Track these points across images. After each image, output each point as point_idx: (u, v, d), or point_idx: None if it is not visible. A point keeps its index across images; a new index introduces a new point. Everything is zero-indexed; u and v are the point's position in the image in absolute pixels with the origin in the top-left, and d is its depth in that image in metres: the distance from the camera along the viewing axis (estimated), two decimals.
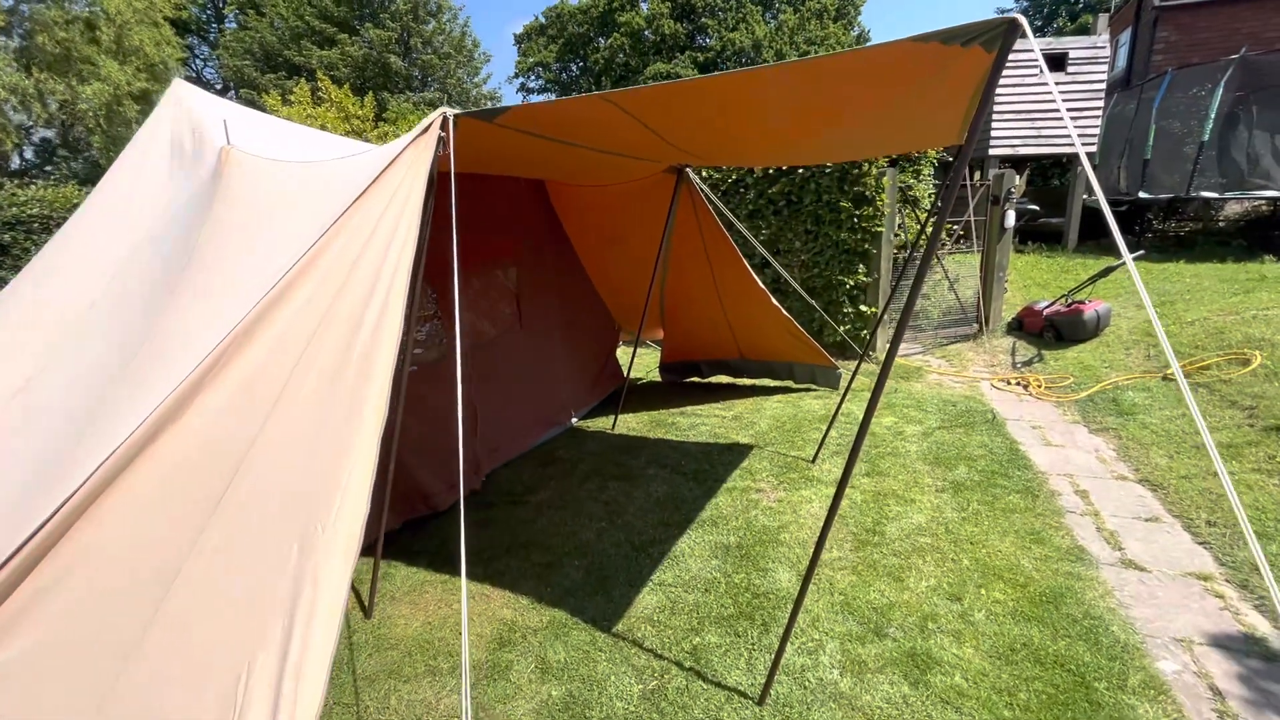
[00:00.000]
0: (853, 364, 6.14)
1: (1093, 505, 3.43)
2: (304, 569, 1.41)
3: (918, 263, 6.71)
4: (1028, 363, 5.99)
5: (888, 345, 6.59)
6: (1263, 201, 9.62)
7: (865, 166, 5.87)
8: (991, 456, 4.06)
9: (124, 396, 2.02)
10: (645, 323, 6.06)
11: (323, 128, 13.74)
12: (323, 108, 15.91)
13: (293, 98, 16.26)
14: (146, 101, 12.85)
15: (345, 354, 1.72)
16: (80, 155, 12.43)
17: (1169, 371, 4.83)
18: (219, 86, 26.95)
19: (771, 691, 2.19)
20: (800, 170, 6.17)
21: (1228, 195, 8.22)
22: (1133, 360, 5.34)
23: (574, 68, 30.36)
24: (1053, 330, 6.25)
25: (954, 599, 2.66)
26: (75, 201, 8.38)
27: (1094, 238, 10.98)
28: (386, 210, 1.93)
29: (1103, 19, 10.11)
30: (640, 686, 2.26)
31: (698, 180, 4.11)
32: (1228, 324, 5.13)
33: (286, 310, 1.83)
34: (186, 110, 3.10)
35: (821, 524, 3.28)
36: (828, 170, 5.98)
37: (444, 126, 2.04)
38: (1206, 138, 7.99)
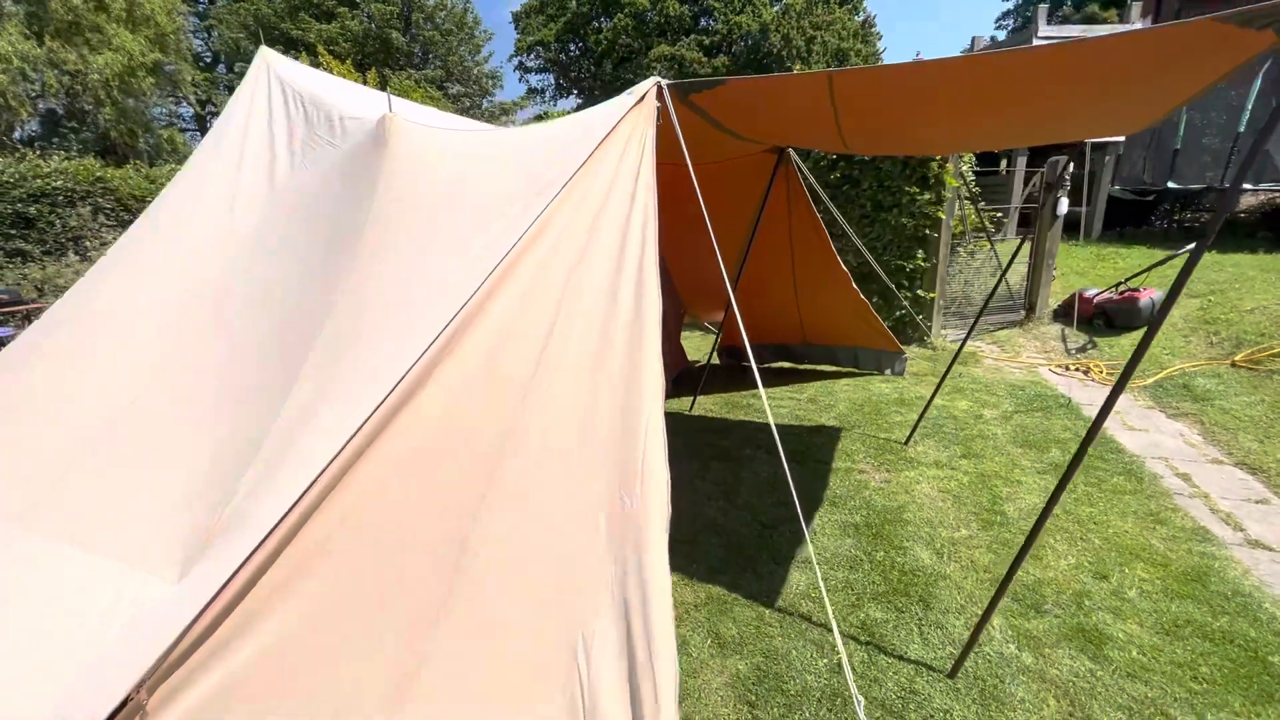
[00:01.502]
0: (913, 349, 6.19)
1: (1198, 487, 3.50)
2: (623, 537, 1.38)
3: (966, 247, 6.75)
4: (1081, 349, 6.08)
5: (943, 331, 6.66)
6: (1277, 194, 9.80)
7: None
8: (1079, 440, 4.11)
9: (331, 370, 1.98)
10: (711, 305, 6.04)
11: None
12: None
13: None
14: (160, 74, 12.42)
15: (605, 327, 1.68)
16: (88, 127, 12.01)
17: (1238, 358, 4.94)
18: (209, 60, 26.17)
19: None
20: (859, 155, 6.16)
21: (1263, 186, 8.36)
22: (1194, 347, 5.45)
23: (573, 48, 29.92)
24: (1103, 317, 6.34)
25: (1100, 577, 2.71)
26: (98, 174, 8.12)
27: (1114, 226, 11.13)
28: (615, 182, 1.89)
29: (1136, 6, 10.16)
30: (824, 660, 2.28)
31: (798, 161, 4.08)
32: None
33: (516, 284, 1.79)
34: (280, 78, 2.99)
35: (935, 503, 3.32)
36: (893, 155, 5.97)
37: (659, 95, 2.00)
38: (1243, 128, 8.11)
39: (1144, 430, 4.29)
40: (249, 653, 1.51)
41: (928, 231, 6.07)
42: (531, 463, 1.57)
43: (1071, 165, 6.27)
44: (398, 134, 2.36)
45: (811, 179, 4.18)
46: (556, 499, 1.51)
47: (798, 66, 21.78)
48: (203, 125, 25.18)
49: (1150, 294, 6.02)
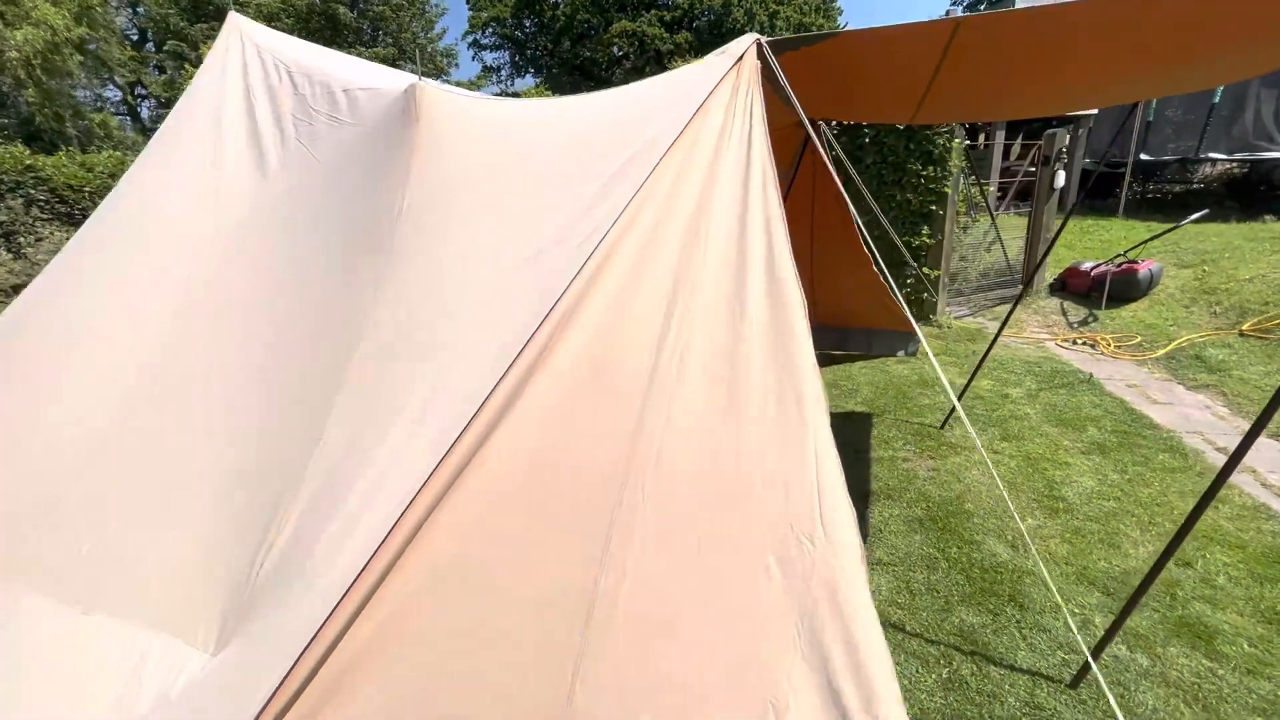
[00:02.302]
0: (920, 327, 6.10)
1: (1243, 462, 3.46)
2: (805, 577, 1.14)
3: (960, 222, 6.67)
4: (1083, 322, 6.09)
5: (947, 308, 6.60)
6: (1234, 163, 10.11)
7: (934, 126, 5.73)
8: (1112, 417, 4.07)
9: (385, 393, 1.68)
10: None
11: None
12: None
13: None
14: (86, 52, 11.26)
15: (734, 325, 1.43)
16: (7, 112, 10.83)
17: (1245, 327, 4.98)
18: (135, 37, 24.32)
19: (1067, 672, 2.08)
20: (865, 129, 5.98)
21: (1236, 157, 8.56)
22: (1197, 317, 5.50)
23: (529, 24, 29.00)
24: (1100, 290, 6.37)
25: (1184, 564, 2.62)
26: (27, 162, 7.35)
27: (1085, 199, 11.34)
28: (721, 154, 1.62)
29: None
30: (934, 675, 2.11)
31: (829, 133, 3.86)
32: None
33: (614, 278, 1.51)
34: (258, 45, 2.58)
35: (992, 491, 3.19)
36: (898, 130, 5.81)
37: (759, 54, 1.73)
38: (1217, 99, 8.26)
39: (1169, 404, 4.27)
40: None
41: (933, 208, 5.96)
42: (663, 494, 1.31)
43: (1069, 138, 6.22)
44: (432, 106, 2.01)
45: (840, 152, 3.96)
46: (705, 538, 1.26)
47: None
48: (133, 110, 23.47)
49: (1149, 266, 6.06)
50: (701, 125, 1.65)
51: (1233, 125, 8.33)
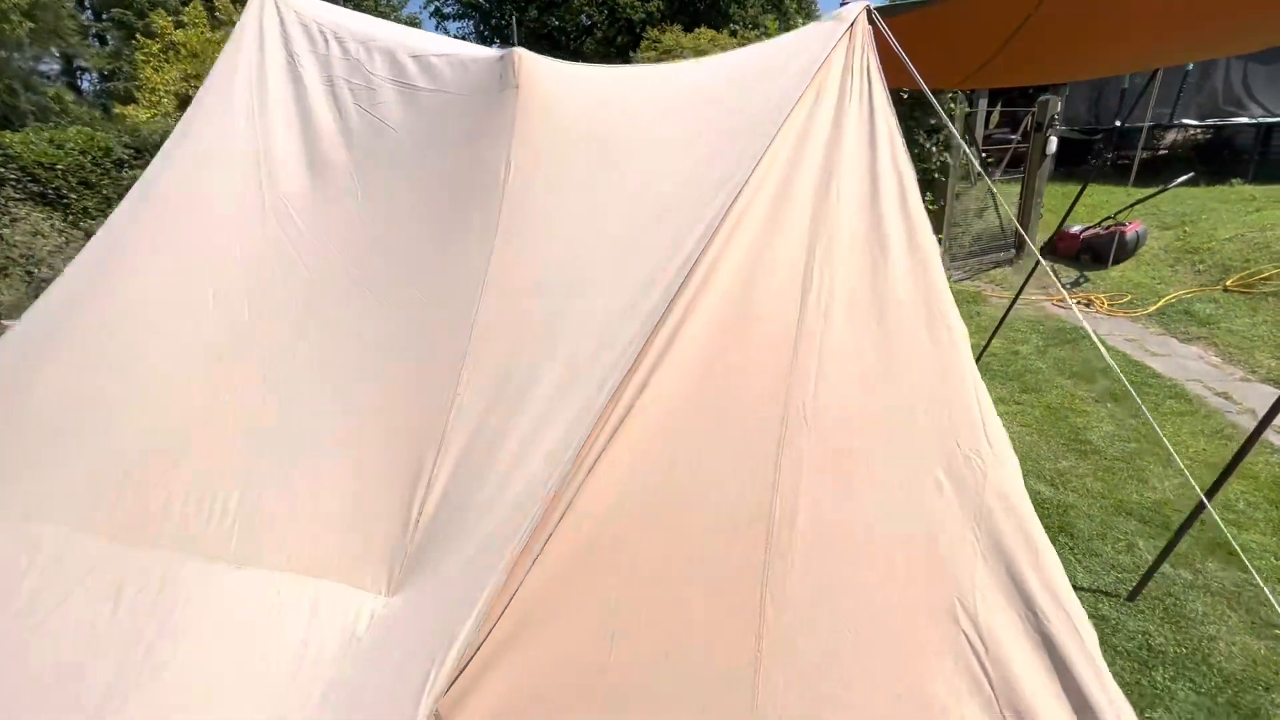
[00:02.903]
0: None
1: (1240, 404, 3.77)
2: (977, 485, 1.28)
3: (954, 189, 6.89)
4: (1075, 283, 6.40)
5: (947, 273, 6.84)
6: (1199, 130, 10.57)
7: (942, 92, 5.88)
8: (1119, 368, 4.33)
9: (520, 362, 1.74)
10: None
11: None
12: (222, 32, 13.78)
13: (184, 18, 13.98)
14: (35, 18, 10.55)
15: (876, 266, 1.53)
16: None
17: (1229, 283, 5.32)
18: (71, 4, 22.84)
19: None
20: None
21: (1208, 122, 8.95)
22: (1182, 275, 5.83)
23: None
24: (1089, 252, 6.67)
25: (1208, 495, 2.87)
26: None
27: (1060, 165, 11.72)
28: (843, 116, 1.71)
29: None
30: None
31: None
32: (1266, 239, 5.68)
33: (749, 230, 1.60)
34: (297, 10, 2.48)
35: (1023, 438, 3.41)
36: (902, 97, 5.95)
37: (870, 19, 1.82)
38: (1191, 65, 8.60)
39: (1166, 355, 4.57)
40: (533, 661, 1.36)
41: (936, 175, 6.14)
42: (824, 422, 1.43)
43: (1060, 105, 6.44)
44: (532, 73, 2.03)
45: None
46: (871, 460, 1.39)
47: (733, 7, 21.32)
48: (73, 84, 22.10)
49: (1135, 227, 6.37)
50: (823, 83, 1.74)
51: (1201, 93, 8.70)
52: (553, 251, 1.86)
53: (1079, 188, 3.95)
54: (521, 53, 2.05)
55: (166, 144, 2.32)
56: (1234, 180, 8.60)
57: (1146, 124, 9.48)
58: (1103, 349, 1.84)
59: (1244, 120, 8.61)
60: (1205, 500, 1.59)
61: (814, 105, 1.72)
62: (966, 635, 1.20)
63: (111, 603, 1.68)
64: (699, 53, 9.96)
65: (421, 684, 1.28)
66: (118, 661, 1.57)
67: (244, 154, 2.26)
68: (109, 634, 1.64)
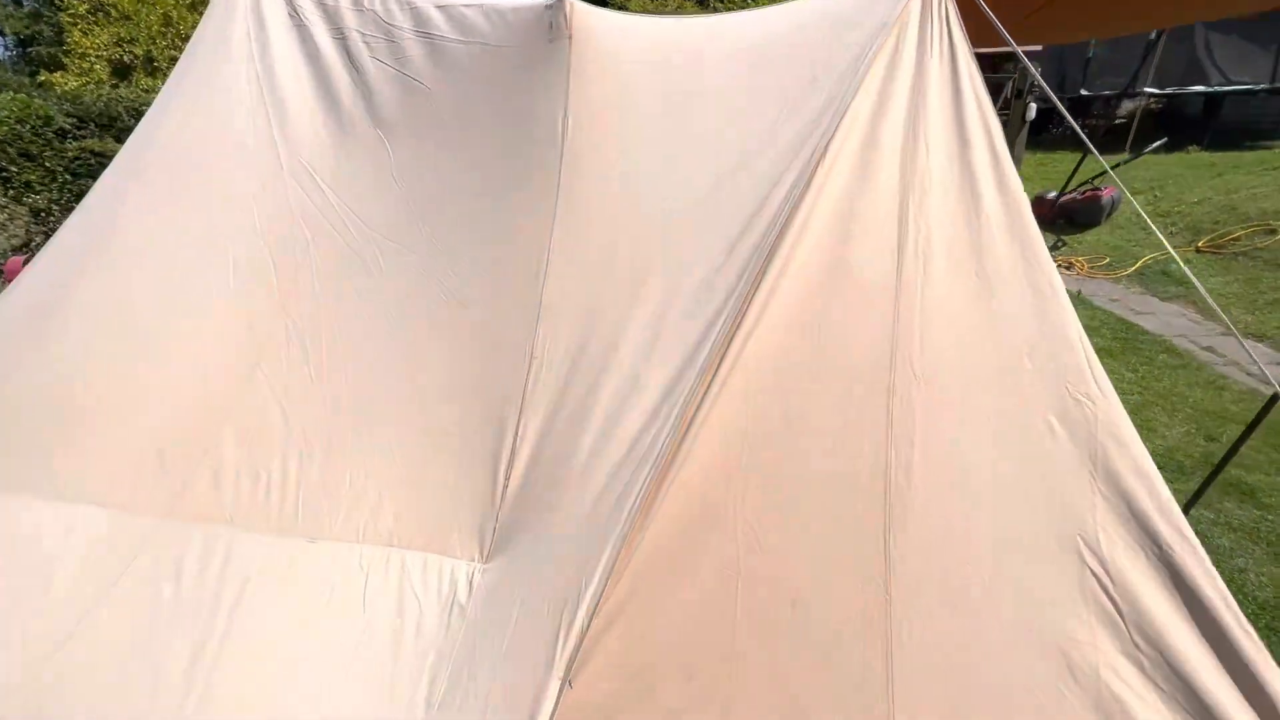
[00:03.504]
0: None
1: (1226, 356, 3.98)
2: (1088, 427, 1.31)
3: None
4: (1054, 247, 6.60)
5: None
6: (1153, 99, 10.96)
7: None
8: (1109, 327, 4.52)
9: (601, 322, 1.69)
10: None
11: (165, 16, 11.04)
12: None
13: None
14: None
15: (971, 218, 1.54)
16: None
17: (1201, 244, 5.57)
18: None
19: None
20: None
21: (1167, 91, 9.26)
22: (1156, 238, 6.05)
23: None
24: (1065, 217, 6.89)
25: (1211, 439, 3.04)
26: None
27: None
28: (924, 61, 1.68)
29: None
30: None
31: None
32: (1232, 201, 5.95)
33: (837, 183, 1.58)
34: None
35: None
36: None
37: None
38: (1154, 34, 8.86)
39: (1150, 314, 4.78)
40: (654, 618, 1.36)
41: None
42: (933, 374, 1.44)
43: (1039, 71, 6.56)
44: (585, 23, 1.92)
45: None
46: (982, 407, 1.41)
47: None
48: None
49: (1110, 193, 6.59)
50: (902, 33, 1.71)
51: (1167, 60, 8.99)
52: (623, 208, 1.81)
53: (1054, 155, 4.04)
54: (572, 2, 1.95)
55: (150, 113, 2.09)
56: (1191, 147, 8.96)
57: (1107, 92, 9.77)
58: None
59: (1203, 89, 8.95)
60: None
61: (894, 55, 1.69)
62: (1092, 570, 1.24)
63: (173, 582, 1.61)
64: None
65: (550, 649, 1.26)
66: (194, 641, 1.51)
67: (249, 117, 2.07)
68: (176, 613, 1.57)
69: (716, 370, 1.40)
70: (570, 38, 1.91)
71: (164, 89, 2.13)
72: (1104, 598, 1.23)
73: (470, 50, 2.09)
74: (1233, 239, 5.40)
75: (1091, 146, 1.81)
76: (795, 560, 1.35)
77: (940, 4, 1.76)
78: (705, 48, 2.03)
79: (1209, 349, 4.10)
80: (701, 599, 1.35)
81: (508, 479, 1.65)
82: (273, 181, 1.95)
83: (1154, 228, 1.83)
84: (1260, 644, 1.16)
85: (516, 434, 1.67)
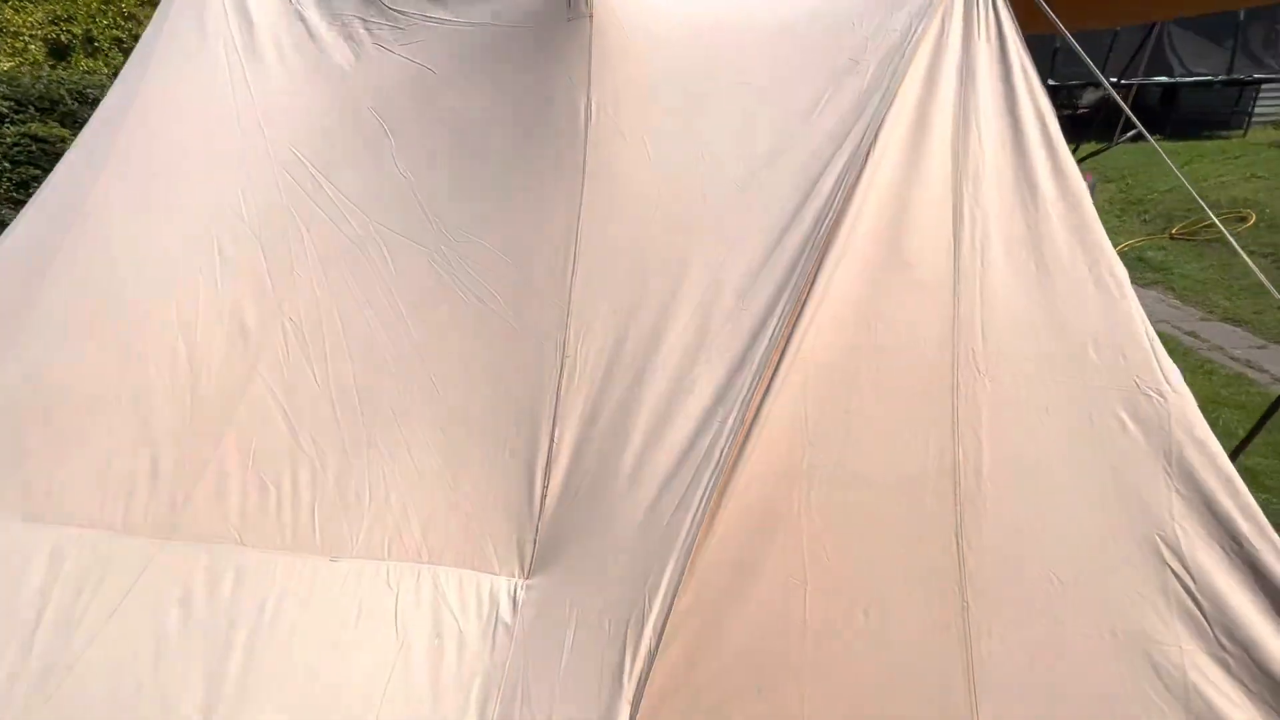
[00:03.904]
0: None
1: (1209, 341, 4.09)
2: (1160, 422, 1.29)
3: None
4: None
5: None
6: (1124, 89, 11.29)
7: None
8: None
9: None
10: None
11: None
12: None
13: None
14: None
15: (1027, 208, 1.48)
16: None
17: (1174, 231, 5.73)
18: None
19: None
20: None
21: (1125, 81, 9.51)
22: (1130, 225, 6.23)
23: None
24: None
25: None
26: None
27: None
28: (971, 44, 1.63)
29: None
30: None
31: None
32: (1201, 189, 6.11)
33: (886, 170, 1.52)
34: None
35: None
36: None
37: None
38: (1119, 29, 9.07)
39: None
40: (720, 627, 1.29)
41: None
42: (997, 368, 1.40)
43: None
44: (605, 2, 1.79)
45: None
46: (1048, 402, 1.37)
47: None
48: None
49: (1088, 179, 6.71)
50: (948, 14, 1.64)
51: (1127, 51, 9.23)
52: (653, 199, 1.70)
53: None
54: None
55: (111, 98, 1.89)
56: (1155, 136, 9.24)
57: (1072, 82, 9.99)
58: None
59: (1163, 79, 9.21)
60: None
61: (940, 37, 1.62)
62: (1172, 568, 1.21)
63: (180, 608, 1.46)
64: None
65: (616, 671, 1.18)
66: (209, 671, 1.38)
67: (229, 100, 1.88)
68: (187, 643, 1.43)
69: (777, 368, 1.33)
70: (590, 17, 1.79)
71: (125, 70, 1.93)
72: (1186, 598, 1.20)
73: (479, 31, 1.94)
74: (1204, 225, 5.57)
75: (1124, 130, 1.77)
76: (864, 566, 1.29)
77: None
78: (732, 27, 1.93)
79: (1192, 334, 4.21)
80: (767, 608, 1.28)
81: (545, 488, 1.55)
82: (258, 169, 1.77)
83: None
84: None
85: (552, 440, 1.57)
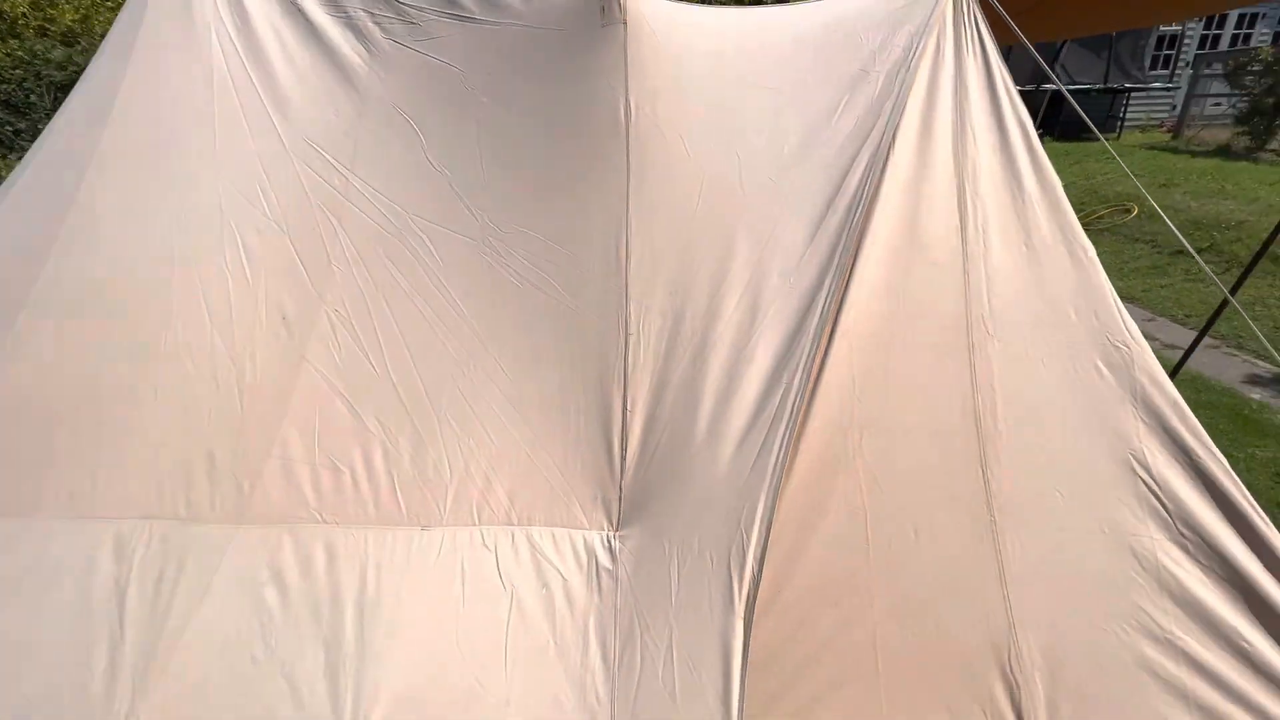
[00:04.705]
0: None
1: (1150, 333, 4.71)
2: (1126, 368, 1.62)
3: None
4: None
5: None
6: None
7: None
8: None
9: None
10: None
11: None
12: None
13: None
14: None
15: (1016, 196, 1.80)
16: None
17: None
18: None
19: None
20: None
21: (1023, 88, 10.55)
22: None
23: None
24: None
25: None
26: None
27: None
28: (961, 59, 1.92)
29: None
30: None
31: None
32: (1093, 185, 6.96)
33: (902, 165, 1.80)
34: None
35: None
36: None
37: None
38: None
39: None
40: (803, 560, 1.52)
41: None
42: (1002, 328, 1.70)
43: None
44: (639, 9, 1.96)
45: None
46: (1043, 354, 1.68)
47: None
48: None
49: None
50: (942, 32, 1.94)
51: (1021, 60, 10.25)
52: (694, 191, 1.89)
53: None
54: None
55: (85, 87, 1.86)
56: (1045, 138, 10.31)
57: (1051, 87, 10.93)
58: None
59: (1051, 87, 10.26)
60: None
61: (936, 53, 1.91)
62: (1142, 479, 1.55)
63: (274, 586, 1.52)
64: None
65: (727, 593, 1.37)
66: (324, 643, 1.46)
67: (231, 95, 1.91)
68: (293, 616, 1.50)
69: (831, 336, 1.57)
70: (625, 23, 1.95)
71: (98, 59, 1.87)
72: (1153, 500, 1.54)
73: (504, 31, 2.06)
74: (1097, 217, 6.35)
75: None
76: (912, 497, 1.56)
77: (968, 6, 2.01)
78: (754, 38, 2.15)
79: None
80: (836, 535, 1.52)
81: (624, 450, 1.72)
82: (274, 163, 1.80)
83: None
84: (1271, 524, 1.51)
85: (625, 409, 1.73)
